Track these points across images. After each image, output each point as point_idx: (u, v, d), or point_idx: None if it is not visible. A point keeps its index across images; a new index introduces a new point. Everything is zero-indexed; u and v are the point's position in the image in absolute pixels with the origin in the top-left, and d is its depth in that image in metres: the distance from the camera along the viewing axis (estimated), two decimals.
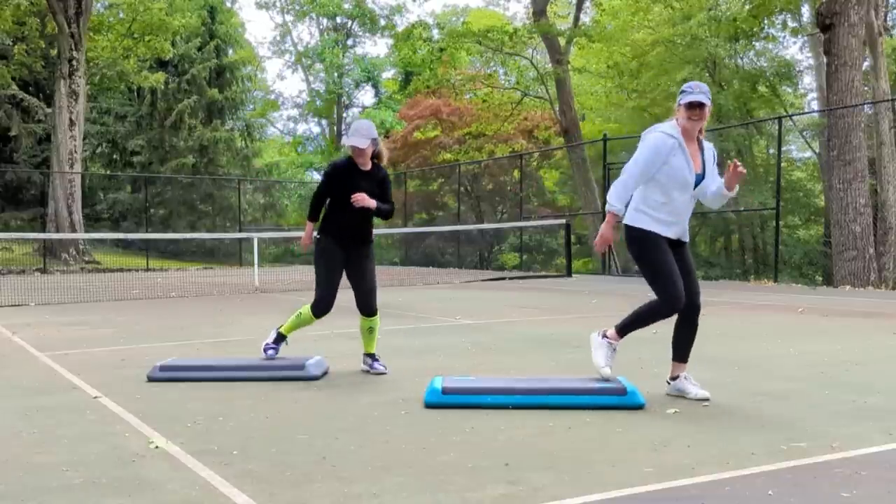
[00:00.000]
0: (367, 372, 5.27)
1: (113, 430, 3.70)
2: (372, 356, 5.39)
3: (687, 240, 4.24)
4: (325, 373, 5.10)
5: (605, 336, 4.21)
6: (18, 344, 6.82)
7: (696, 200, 4.20)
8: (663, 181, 4.02)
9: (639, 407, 4.00)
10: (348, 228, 5.15)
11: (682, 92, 4.05)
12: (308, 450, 3.32)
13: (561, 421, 3.77)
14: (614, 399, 4.01)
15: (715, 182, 4.17)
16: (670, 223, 4.07)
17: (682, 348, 4.26)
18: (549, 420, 3.78)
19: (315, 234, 5.33)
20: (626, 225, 4.15)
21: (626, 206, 4.14)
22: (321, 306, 5.23)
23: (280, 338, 5.38)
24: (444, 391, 4.11)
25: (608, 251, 17.70)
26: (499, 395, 4.10)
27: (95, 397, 4.46)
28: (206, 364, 5.13)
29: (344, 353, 6.05)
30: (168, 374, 4.94)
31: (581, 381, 4.29)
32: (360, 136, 5.06)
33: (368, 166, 5.19)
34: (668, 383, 4.33)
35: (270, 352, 5.31)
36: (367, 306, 5.33)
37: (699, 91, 3.99)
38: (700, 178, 4.11)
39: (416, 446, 3.36)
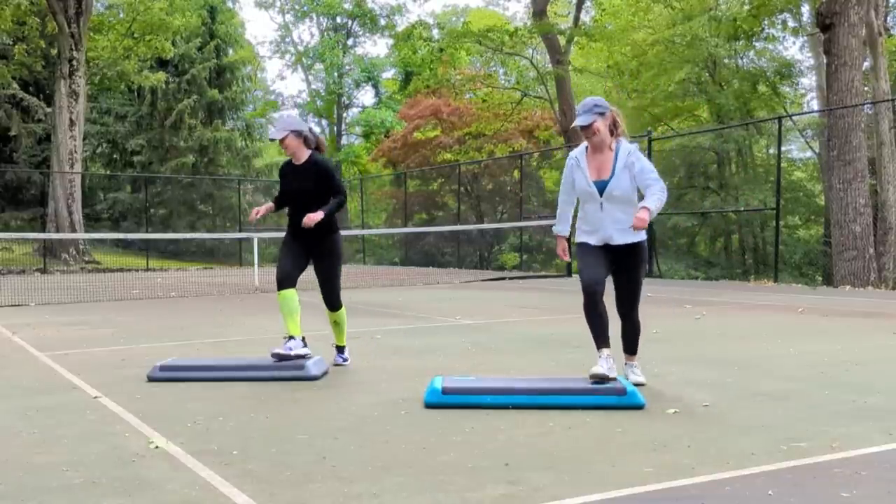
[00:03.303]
0: (336, 364, 5.41)
1: (113, 430, 3.70)
2: (339, 349, 5.47)
3: (619, 243, 4.40)
4: (325, 373, 5.09)
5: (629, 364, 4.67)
6: (18, 344, 6.82)
7: (620, 203, 4.38)
8: (578, 196, 4.51)
9: (639, 407, 4.00)
10: (297, 224, 5.19)
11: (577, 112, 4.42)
12: (308, 450, 3.32)
13: (561, 421, 3.77)
14: (614, 399, 4.01)
15: (644, 181, 4.35)
16: (591, 231, 4.46)
17: (624, 342, 4.64)
18: (549, 420, 3.78)
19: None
20: None
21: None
22: (278, 278, 5.20)
23: (291, 340, 5.32)
24: (444, 391, 4.11)
25: None
26: (499, 395, 4.10)
27: (95, 397, 4.46)
28: (206, 364, 5.13)
29: None
30: (168, 374, 4.94)
31: (581, 381, 4.29)
32: (275, 127, 5.14)
33: (301, 160, 5.19)
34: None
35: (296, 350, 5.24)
36: (328, 302, 5.37)
37: (581, 112, 4.33)
38: (604, 184, 4.37)
39: (416, 446, 3.36)
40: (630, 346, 4.65)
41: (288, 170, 5.30)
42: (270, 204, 5.44)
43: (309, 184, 5.15)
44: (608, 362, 4.21)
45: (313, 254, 5.28)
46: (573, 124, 4.40)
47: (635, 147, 4.45)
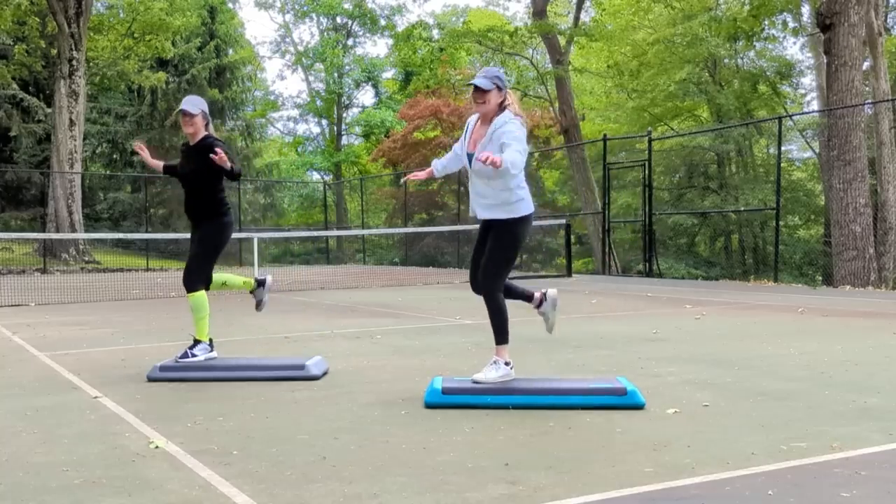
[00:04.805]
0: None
1: (113, 430, 3.70)
2: (192, 343, 5.18)
3: (488, 217, 4.24)
4: (325, 373, 5.09)
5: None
6: (18, 344, 6.82)
7: (483, 177, 4.19)
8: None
9: (639, 407, 4.00)
10: (185, 205, 5.28)
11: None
12: (308, 450, 3.32)
13: (561, 421, 3.77)
14: (614, 399, 4.01)
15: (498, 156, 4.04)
16: (472, 201, 4.31)
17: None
18: (549, 420, 3.78)
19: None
20: None
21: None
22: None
23: (195, 345, 5.25)
24: (444, 391, 4.11)
25: (609, 251, 17.71)
26: (499, 395, 4.10)
27: (95, 397, 4.46)
28: (206, 364, 5.12)
29: (344, 353, 6.04)
30: (168, 374, 4.93)
31: (581, 381, 4.29)
32: (189, 103, 5.15)
33: (196, 140, 5.21)
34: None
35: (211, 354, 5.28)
36: (183, 283, 5.25)
37: (481, 75, 4.14)
38: (472, 155, 4.20)
39: (416, 446, 3.36)
40: (495, 334, 4.30)
41: (182, 150, 5.36)
42: (155, 162, 5.54)
43: (193, 161, 5.18)
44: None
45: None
46: (470, 82, 4.14)
47: (511, 118, 4.14)
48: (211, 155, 4.88)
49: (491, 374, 4.20)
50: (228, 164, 4.97)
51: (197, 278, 5.18)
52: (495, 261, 4.24)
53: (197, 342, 5.17)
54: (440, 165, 4.65)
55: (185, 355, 5.10)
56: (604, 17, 25.20)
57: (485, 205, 4.22)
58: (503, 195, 4.16)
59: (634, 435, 3.50)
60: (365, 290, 13.35)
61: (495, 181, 4.14)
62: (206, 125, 5.25)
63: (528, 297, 4.59)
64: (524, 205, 4.22)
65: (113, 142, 32.72)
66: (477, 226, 4.57)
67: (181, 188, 5.35)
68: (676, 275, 19.46)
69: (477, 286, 4.38)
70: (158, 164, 5.59)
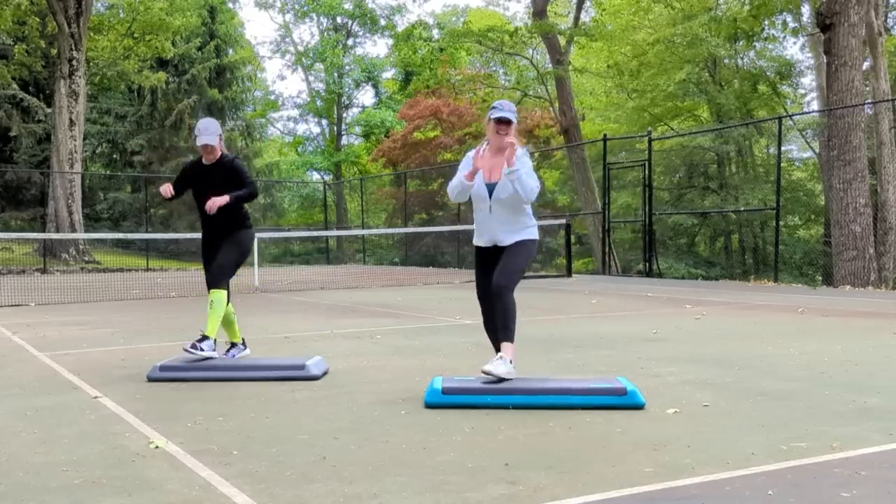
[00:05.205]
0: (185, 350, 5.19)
1: (113, 430, 3.70)
2: (204, 337, 5.20)
3: (505, 244, 4.44)
4: (325, 373, 5.10)
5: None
6: (18, 344, 6.82)
7: (507, 206, 4.41)
8: (471, 196, 4.52)
9: (639, 407, 4.00)
10: (206, 224, 5.45)
11: (492, 108, 4.44)
12: (308, 450, 3.32)
13: (561, 421, 3.77)
14: (614, 399, 4.01)
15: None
16: (480, 233, 4.54)
17: (495, 329, 4.46)
18: (549, 420, 3.78)
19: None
20: None
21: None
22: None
23: (232, 345, 5.52)
24: (444, 391, 4.11)
25: (609, 251, 17.71)
26: (499, 395, 4.10)
27: (95, 397, 4.46)
28: (206, 364, 5.12)
29: (344, 353, 6.05)
30: (168, 374, 4.94)
31: (581, 381, 4.29)
32: (206, 133, 5.27)
33: (215, 160, 5.38)
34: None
35: (232, 352, 5.52)
36: (209, 278, 5.40)
37: (507, 109, 4.41)
38: (494, 185, 4.41)
39: (416, 446, 3.36)
40: (504, 332, 4.34)
41: (196, 170, 5.46)
42: (167, 185, 5.54)
43: (218, 183, 5.34)
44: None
45: (215, 244, 5.47)
46: (497, 115, 4.35)
47: (525, 152, 4.50)
48: (235, 195, 5.25)
49: (500, 367, 4.22)
50: (248, 199, 5.38)
51: (227, 277, 5.37)
52: (517, 264, 4.47)
53: (205, 337, 5.19)
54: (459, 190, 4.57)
55: (193, 346, 5.14)
56: (604, 17, 25.18)
57: (508, 231, 4.45)
58: (523, 220, 4.48)
59: (634, 435, 3.50)
60: (365, 290, 13.35)
61: (518, 209, 4.45)
62: (220, 143, 5.42)
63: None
64: (536, 228, 4.60)
65: (113, 142, 32.71)
66: (474, 227, 4.62)
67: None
68: (676, 275, 19.46)
69: (491, 291, 4.45)
70: (170, 190, 5.58)
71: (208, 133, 5.29)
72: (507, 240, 4.45)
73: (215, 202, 5.22)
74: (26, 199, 29.49)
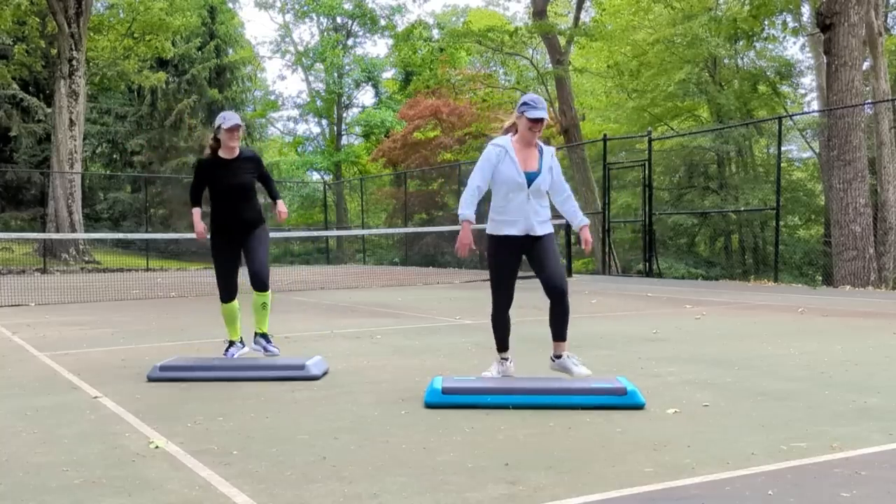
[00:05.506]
0: (263, 353, 5.43)
1: (113, 430, 3.70)
2: (265, 336, 5.47)
3: (542, 233, 4.53)
4: (325, 373, 5.10)
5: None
6: (18, 344, 6.82)
7: (540, 197, 4.53)
8: (499, 186, 4.50)
9: (639, 407, 4.00)
10: (232, 218, 5.34)
11: (525, 104, 4.48)
12: (308, 450, 3.32)
13: (561, 421, 3.77)
14: (614, 399, 4.01)
15: (562, 188, 4.65)
16: (514, 221, 4.49)
17: (554, 327, 4.56)
18: (549, 420, 3.78)
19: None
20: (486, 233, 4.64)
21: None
22: (222, 294, 5.43)
23: (232, 343, 5.58)
24: (444, 391, 4.11)
25: (609, 251, 17.71)
26: (499, 395, 4.10)
27: (95, 397, 4.46)
28: (206, 364, 5.13)
29: (344, 353, 6.05)
30: (168, 374, 4.94)
31: (581, 381, 4.29)
32: (231, 119, 5.30)
33: (237, 153, 5.39)
34: (552, 360, 4.58)
35: (232, 351, 5.56)
36: (258, 283, 5.44)
37: (542, 108, 4.47)
38: (534, 176, 4.50)
39: (416, 446, 3.36)
40: (564, 331, 4.55)
41: (216, 164, 5.38)
42: (197, 212, 5.48)
43: (247, 175, 5.36)
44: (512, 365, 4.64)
45: (242, 243, 5.45)
46: (534, 115, 4.41)
47: (553, 149, 4.70)
48: (279, 211, 5.41)
49: (583, 368, 4.44)
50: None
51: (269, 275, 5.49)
52: (560, 263, 4.61)
53: (265, 336, 5.47)
54: (472, 211, 4.55)
55: (266, 350, 5.40)
56: (604, 17, 25.17)
57: (540, 222, 4.53)
58: (548, 211, 4.59)
59: (634, 435, 3.50)
60: (365, 290, 13.35)
61: (546, 200, 4.59)
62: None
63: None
64: None
65: (113, 142, 32.71)
66: (476, 226, 4.64)
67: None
68: (676, 275, 19.46)
69: (558, 287, 4.51)
70: (198, 214, 5.55)
71: (235, 118, 5.30)
72: (539, 230, 4.51)
73: (284, 211, 5.39)
74: (26, 199, 29.50)
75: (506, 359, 4.70)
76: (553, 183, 4.58)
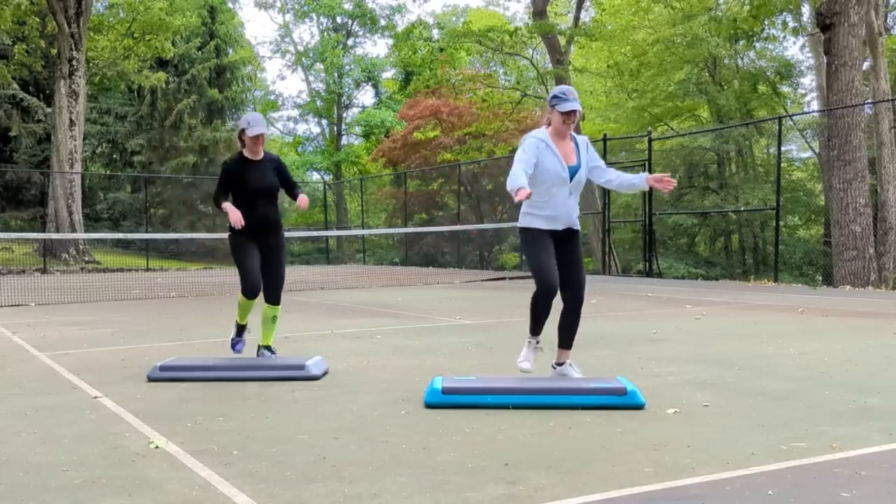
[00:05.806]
0: None
1: (113, 430, 3.70)
2: (269, 349, 5.43)
3: (577, 228, 4.52)
4: (325, 373, 5.10)
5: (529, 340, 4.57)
6: (18, 344, 6.82)
7: (578, 191, 4.50)
8: (541, 180, 4.36)
9: (639, 407, 4.00)
10: (255, 219, 5.24)
11: (556, 97, 4.39)
12: (308, 450, 3.32)
13: (561, 421, 3.77)
14: (614, 399, 4.01)
15: (605, 171, 4.61)
16: (556, 216, 4.42)
17: (564, 335, 4.54)
18: (549, 420, 3.78)
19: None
20: (518, 227, 4.59)
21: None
22: (248, 290, 5.29)
23: (241, 329, 5.52)
24: (444, 391, 4.11)
25: (609, 251, 17.71)
26: (499, 395, 4.10)
27: (95, 397, 4.46)
28: (206, 364, 5.13)
29: (344, 353, 6.05)
30: (168, 374, 4.94)
31: (581, 381, 4.29)
32: (257, 124, 5.23)
33: (261, 155, 5.34)
34: (554, 368, 4.56)
35: (239, 346, 5.53)
36: (273, 295, 5.39)
37: (574, 99, 4.39)
38: (576, 169, 4.45)
39: (416, 446, 3.36)
40: (571, 340, 4.54)
41: (244, 165, 5.30)
42: (228, 204, 5.33)
43: (272, 176, 5.33)
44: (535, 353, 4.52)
45: (262, 249, 5.35)
46: (567, 107, 4.31)
47: (587, 139, 4.64)
48: (300, 204, 5.31)
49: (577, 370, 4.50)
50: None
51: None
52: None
53: (269, 349, 5.43)
54: (525, 181, 4.21)
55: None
56: (604, 17, 25.18)
57: (575, 218, 4.51)
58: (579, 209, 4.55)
59: (634, 435, 3.50)
60: (365, 290, 13.35)
61: (578, 195, 4.54)
62: None
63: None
64: None
65: (113, 142, 32.70)
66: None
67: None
68: (676, 275, 19.45)
69: (577, 296, 4.52)
70: (229, 204, 5.41)
71: (261, 124, 5.24)
72: (576, 224, 4.51)
73: (305, 200, 5.31)
74: (26, 199, 29.49)
75: (538, 342, 4.53)
76: (592, 169, 4.52)
